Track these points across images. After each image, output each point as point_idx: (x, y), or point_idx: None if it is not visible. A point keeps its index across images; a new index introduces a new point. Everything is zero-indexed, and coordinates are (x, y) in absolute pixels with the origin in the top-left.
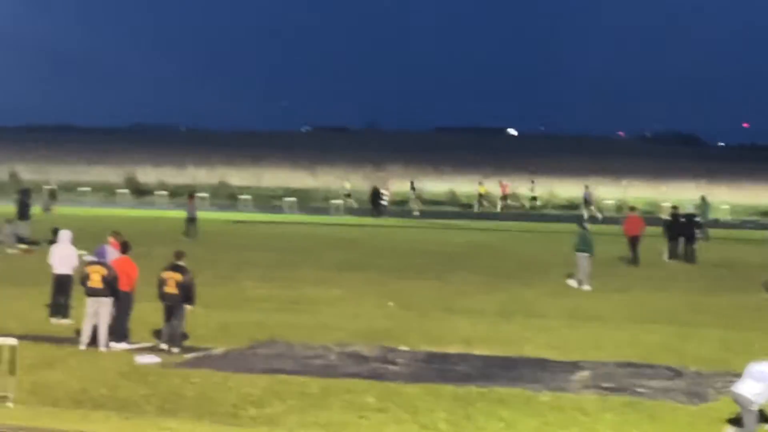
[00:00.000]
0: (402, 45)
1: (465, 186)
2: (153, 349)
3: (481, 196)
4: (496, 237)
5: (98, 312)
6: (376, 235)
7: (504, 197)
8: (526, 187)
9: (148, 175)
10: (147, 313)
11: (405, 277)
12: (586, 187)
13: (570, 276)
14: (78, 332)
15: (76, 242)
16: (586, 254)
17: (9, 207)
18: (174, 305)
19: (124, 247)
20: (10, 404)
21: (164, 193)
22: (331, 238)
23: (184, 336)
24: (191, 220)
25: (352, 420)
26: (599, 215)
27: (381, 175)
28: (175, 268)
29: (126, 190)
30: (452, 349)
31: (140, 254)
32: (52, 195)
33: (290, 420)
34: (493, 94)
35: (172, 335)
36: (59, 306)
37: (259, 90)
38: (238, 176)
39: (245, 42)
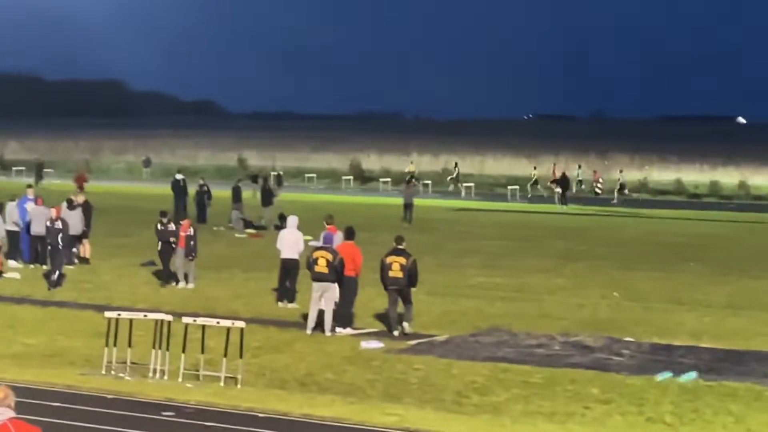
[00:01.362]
0: (628, 34)
1: (693, 175)
2: (377, 335)
3: (536, 181)
4: (725, 228)
5: (324, 297)
6: (601, 225)
7: (554, 180)
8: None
9: (372, 162)
10: (371, 298)
11: (630, 268)
12: (621, 171)
13: None
14: (304, 317)
15: (302, 228)
16: None
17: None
18: (400, 289)
19: (350, 233)
20: (239, 386)
21: (388, 180)
22: (554, 226)
23: (410, 319)
24: (408, 206)
25: (577, 410)
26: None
27: (606, 164)
28: (399, 253)
29: (350, 177)
30: (678, 342)
31: (365, 240)
32: (279, 181)
33: (514, 409)
34: (721, 82)
35: (404, 318)
36: (286, 290)
37: (484, 78)
38: (461, 164)
39: (469, 31)
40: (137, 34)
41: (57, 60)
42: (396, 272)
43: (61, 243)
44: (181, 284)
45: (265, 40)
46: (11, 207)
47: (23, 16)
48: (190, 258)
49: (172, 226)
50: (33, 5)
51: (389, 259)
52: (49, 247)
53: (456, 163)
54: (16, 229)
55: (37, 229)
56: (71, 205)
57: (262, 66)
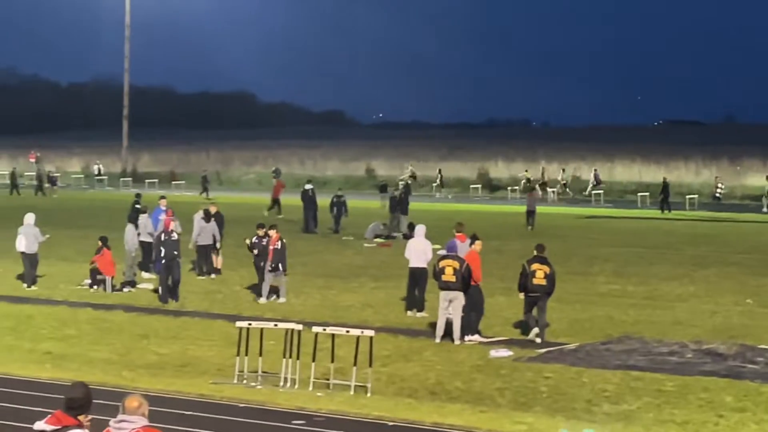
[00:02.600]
0: (758, 37)
1: None
2: (506, 343)
3: (528, 181)
4: None
5: (452, 305)
6: (729, 231)
7: (543, 183)
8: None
9: (500, 170)
10: (501, 307)
11: (764, 275)
12: (595, 169)
13: None
14: (432, 325)
15: (430, 237)
16: None
17: (371, 203)
18: (541, 296)
19: (473, 241)
20: (368, 394)
21: (516, 188)
22: (685, 233)
23: (547, 326)
24: (530, 213)
25: (710, 419)
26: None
27: (738, 170)
28: (542, 261)
29: (479, 186)
30: None
31: (492, 249)
32: (405, 190)
33: (646, 417)
34: None
35: (539, 325)
36: (414, 299)
37: (613, 84)
38: (589, 171)
39: (597, 36)
40: (267, 47)
41: (189, 73)
42: (540, 280)
43: (179, 255)
44: (262, 300)
45: (392, 51)
46: (144, 218)
47: (156, 30)
48: (277, 273)
49: (266, 239)
50: (165, 20)
51: (533, 267)
52: (164, 260)
53: (439, 170)
54: (149, 240)
55: None
56: (207, 217)
57: (390, 76)
